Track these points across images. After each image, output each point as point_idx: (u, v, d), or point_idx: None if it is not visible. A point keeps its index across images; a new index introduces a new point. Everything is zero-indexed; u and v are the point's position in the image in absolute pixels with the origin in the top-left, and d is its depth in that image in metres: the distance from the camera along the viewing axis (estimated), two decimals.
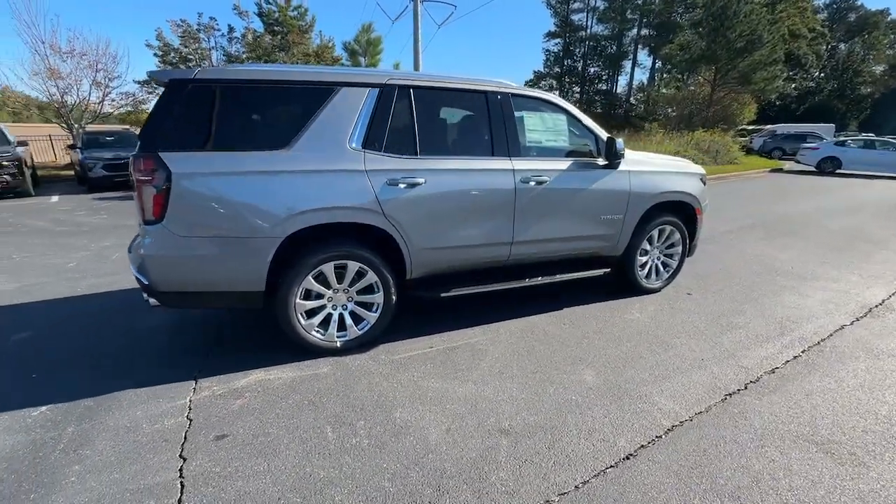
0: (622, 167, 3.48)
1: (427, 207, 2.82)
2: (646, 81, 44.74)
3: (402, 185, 2.71)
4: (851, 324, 3.35)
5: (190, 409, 2.26)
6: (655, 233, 3.82)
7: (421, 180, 2.76)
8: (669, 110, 29.53)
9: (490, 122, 3.06)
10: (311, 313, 2.74)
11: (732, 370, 2.68)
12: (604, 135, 3.42)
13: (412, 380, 2.56)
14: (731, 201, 9.31)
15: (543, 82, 45.58)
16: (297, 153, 2.51)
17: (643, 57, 45.09)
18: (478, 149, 3.08)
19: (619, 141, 3.31)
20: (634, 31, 43.45)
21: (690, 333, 3.18)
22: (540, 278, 3.38)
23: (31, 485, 1.78)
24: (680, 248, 4.00)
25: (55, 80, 14.06)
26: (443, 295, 3.04)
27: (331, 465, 1.90)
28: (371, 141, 2.68)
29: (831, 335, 3.15)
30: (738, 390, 2.46)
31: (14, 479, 1.81)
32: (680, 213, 3.91)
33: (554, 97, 3.41)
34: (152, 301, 2.50)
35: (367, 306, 2.89)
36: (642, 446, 2.02)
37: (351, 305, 2.85)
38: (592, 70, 46.38)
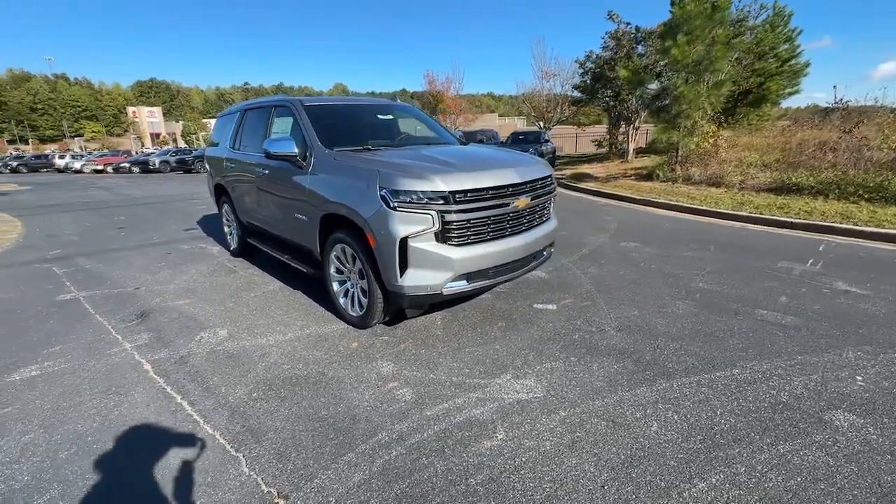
0: (310, 167, 3.43)
1: (233, 179, 4.78)
2: None
3: (229, 165, 4.85)
4: None
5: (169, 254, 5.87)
6: (339, 251, 3.26)
7: (233, 165, 4.75)
8: None
9: (262, 128, 4.34)
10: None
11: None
12: (310, 136, 3.51)
13: (151, 267, 4.93)
14: None
15: None
16: (227, 148, 5.28)
17: None
18: (255, 147, 4.44)
19: (279, 141, 3.42)
20: None
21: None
22: (275, 253, 4.21)
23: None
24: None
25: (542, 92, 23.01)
26: (248, 240, 4.85)
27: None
28: (232, 142, 4.95)
29: None
30: None
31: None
32: (357, 233, 3.03)
33: (287, 101, 3.93)
34: None
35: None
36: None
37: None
38: None
